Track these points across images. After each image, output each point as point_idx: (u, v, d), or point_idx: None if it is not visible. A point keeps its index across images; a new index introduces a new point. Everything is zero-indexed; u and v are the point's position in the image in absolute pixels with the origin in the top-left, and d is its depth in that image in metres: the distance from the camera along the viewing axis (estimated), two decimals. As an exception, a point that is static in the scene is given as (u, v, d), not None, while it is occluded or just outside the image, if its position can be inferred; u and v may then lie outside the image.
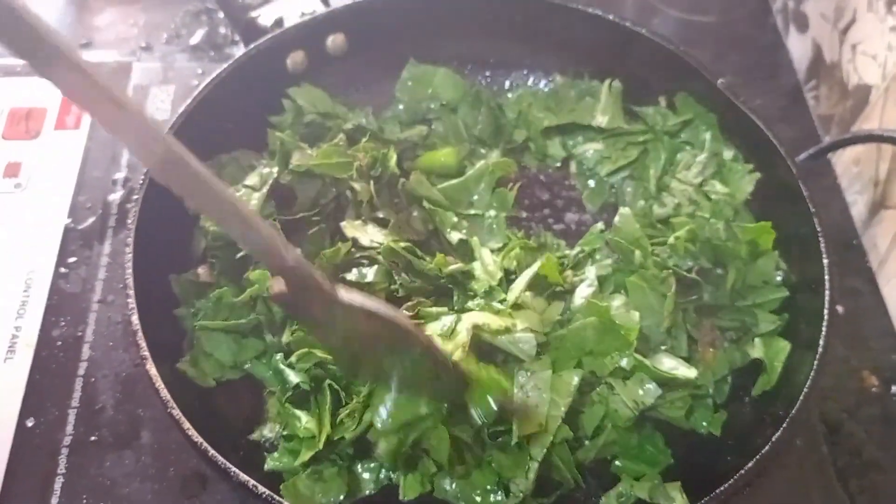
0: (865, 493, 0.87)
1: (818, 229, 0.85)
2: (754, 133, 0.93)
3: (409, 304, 0.83)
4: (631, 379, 0.80)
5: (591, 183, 1.05)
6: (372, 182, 0.93)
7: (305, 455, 0.77)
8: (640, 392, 0.80)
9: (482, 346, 0.80)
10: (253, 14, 1.04)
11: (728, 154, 0.99)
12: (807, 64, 1.25)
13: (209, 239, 0.90)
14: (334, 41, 1.05)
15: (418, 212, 0.96)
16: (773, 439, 0.73)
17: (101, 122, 0.51)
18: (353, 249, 0.88)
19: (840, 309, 0.98)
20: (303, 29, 1.02)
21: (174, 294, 0.89)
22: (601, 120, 1.04)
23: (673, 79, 1.02)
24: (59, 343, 0.93)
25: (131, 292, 0.79)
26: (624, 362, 0.80)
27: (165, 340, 0.83)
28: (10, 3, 0.44)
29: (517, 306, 0.84)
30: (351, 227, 0.90)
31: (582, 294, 0.86)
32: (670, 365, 0.81)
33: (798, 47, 1.27)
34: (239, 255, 0.88)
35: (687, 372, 0.80)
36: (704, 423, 0.83)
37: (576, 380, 0.80)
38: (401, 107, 1.08)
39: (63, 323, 0.95)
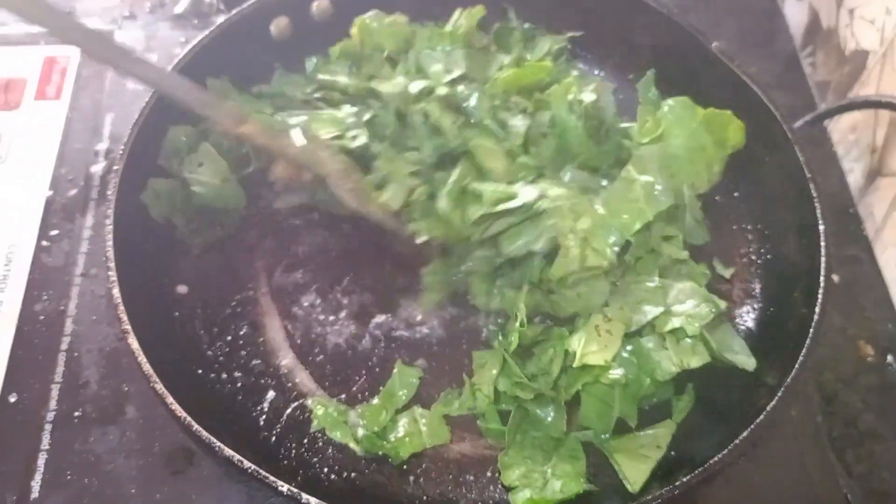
0: (862, 462, 0.86)
1: (814, 195, 0.83)
2: (750, 98, 0.91)
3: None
4: (685, 341, 0.80)
5: None
6: None
7: None
8: (691, 357, 0.79)
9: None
10: (236, -21, 1.02)
11: None
12: (803, 30, 1.22)
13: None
14: (319, 6, 1.02)
15: None
16: (768, 409, 0.72)
17: None
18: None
19: (836, 278, 0.97)
20: (287, -6, 1.00)
21: (157, 267, 0.88)
22: None
23: (667, 44, 0.99)
24: (42, 317, 0.92)
25: (112, 265, 0.78)
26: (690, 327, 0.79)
27: (149, 313, 0.81)
28: None
29: None
30: None
31: None
32: (736, 347, 0.81)
33: (795, 13, 1.25)
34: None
35: (746, 361, 0.80)
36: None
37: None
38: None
39: (45, 297, 0.93)
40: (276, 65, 1.01)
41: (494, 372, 0.82)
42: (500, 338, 0.87)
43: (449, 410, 0.84)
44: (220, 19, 0.97)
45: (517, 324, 0.81)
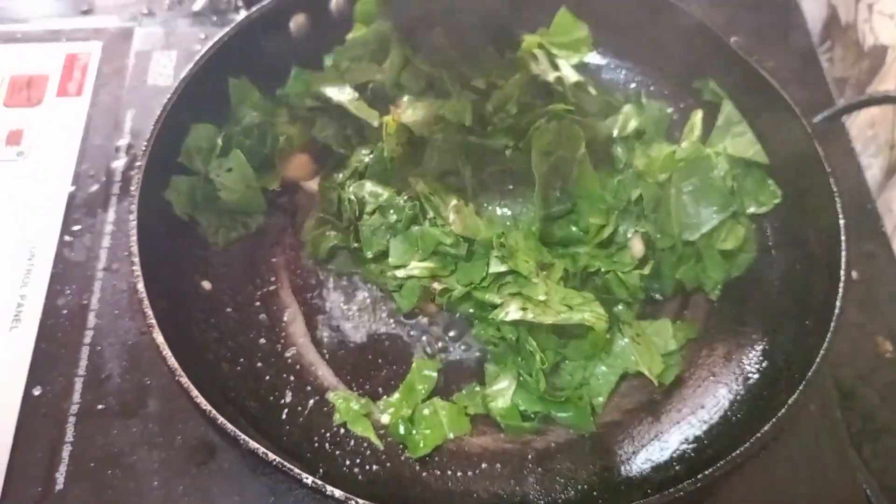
0: (879, 457, 0.86)
1: (834, 190, 0.83)
2: (769, 93, 0.91)
3: None
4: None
5: None
6: None
7: None
8: None
9: None
10: (255, -24, 1.02)
11: None
12: (821, 25, 1.22)
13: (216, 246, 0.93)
14: (338, 3, 1.02)
15: None
16: (789, 402, 0.72)
17: None
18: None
19: (854, 274, 0.96)
20: (305, -10, 1.00)
21: (179, 260, 0.89)
22: None
23: (685, 39, 0.99)
24: (65, 312, 0.92)
25: (136, 259, 0.78)
26: None
27: (172, 307, 0.82)
28: None
29: None
30: None
31: None
32: None
33: (812, 8, 1.25)
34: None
35: None
36: None
37: None
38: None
39: (68, 291, 0.94)
40: (293, 63, 1.02)
41: (509, 387, 0.84)
42: (518, 362, 0.86)
43: (469, 405, 0.84)
44: (239, 16, 0.97)
45: (537, 361, 0.82)
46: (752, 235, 0.91)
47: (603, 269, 0.88)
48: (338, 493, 0.66)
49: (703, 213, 0.89)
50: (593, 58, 1.07)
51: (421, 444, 0.81)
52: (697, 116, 0.94)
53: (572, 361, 0.84)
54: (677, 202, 0.89)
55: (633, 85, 1.06)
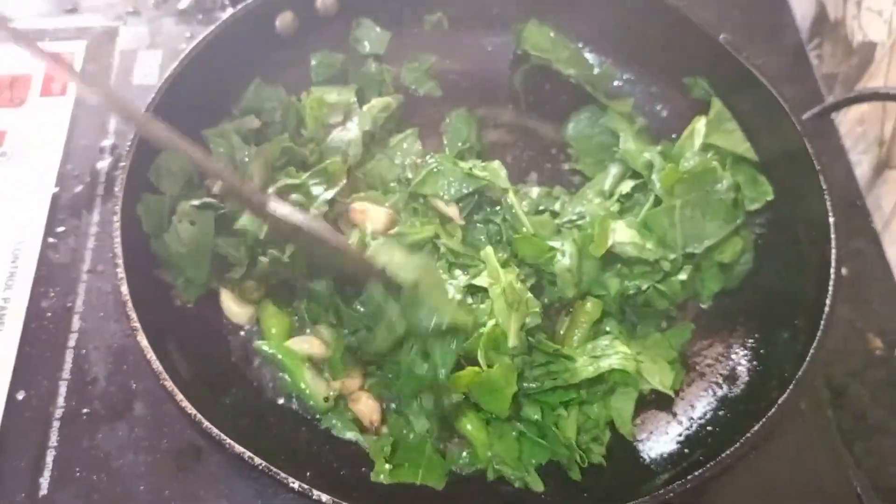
0: (871, 455, 0.86)
1: (824, 187, 0.83)
2: (758, 90, 0.91)
3: None
4: None
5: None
6: None
7: None
8: None
9: None
10: (240, -26, 1.01)
11: None
12: (810, 22, 1.22)
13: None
14: (324, 1, 1.01)
15: None
16: (780, 402, 0.72)
17: None
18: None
19: (844, 271, 0.95)
20: (291, -12, 0.99)
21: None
22: None
23: (675, 36, 0.99)
24: (49, 314, 0.91)
25: (120, 262, 0.77)
26: None
27: (157, 310, 0.81)
28: None
29: None
30: None
31: None
32: None
33: (802, 5, 1.25)
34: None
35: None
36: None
37: None
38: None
39: (52, 294, 0.93)
40: (255, 78, 0.99)
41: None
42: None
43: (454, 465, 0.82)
44: (225, 14, 0.96)
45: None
46: (750, 248, 0.91)
47: (643, 287, 0.87)
48: (324, 497, 0.65)
49: (708, 227, 0.87)
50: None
51: (387, 473, 0.78)
52: (700, 122, 0.93)
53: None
54: (682, 214, 0.87)
55: (617, 83, 1.05)
